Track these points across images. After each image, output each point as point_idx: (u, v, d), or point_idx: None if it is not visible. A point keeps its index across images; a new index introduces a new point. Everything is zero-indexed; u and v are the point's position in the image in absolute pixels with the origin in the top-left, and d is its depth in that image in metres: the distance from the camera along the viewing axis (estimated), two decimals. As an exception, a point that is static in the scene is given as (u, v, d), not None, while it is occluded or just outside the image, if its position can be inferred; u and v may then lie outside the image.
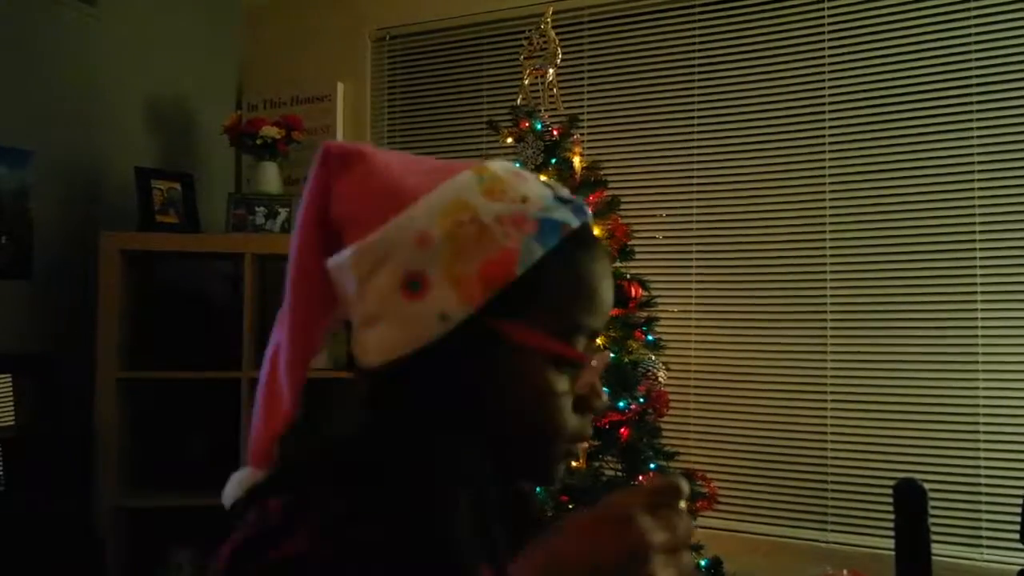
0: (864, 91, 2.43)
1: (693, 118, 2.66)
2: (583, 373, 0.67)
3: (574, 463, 1.96)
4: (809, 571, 2.35)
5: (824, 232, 2.47)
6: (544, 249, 0.64)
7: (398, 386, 0.65)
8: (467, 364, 0.64)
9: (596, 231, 0.75)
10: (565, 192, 0.69)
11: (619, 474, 2.08)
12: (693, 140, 2.66)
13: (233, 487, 0.66)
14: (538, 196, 0.67)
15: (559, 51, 2.29)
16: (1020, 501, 1.97)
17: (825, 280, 2.46)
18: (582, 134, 2.62)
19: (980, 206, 2.29)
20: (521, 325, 0.64)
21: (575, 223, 0.66)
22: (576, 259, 0.66)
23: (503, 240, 0.63)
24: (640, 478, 2.02)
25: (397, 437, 0.64)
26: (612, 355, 2.05)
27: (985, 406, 2.25)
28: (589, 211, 0.70)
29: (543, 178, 0.71)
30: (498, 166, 0.69)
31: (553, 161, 2.18)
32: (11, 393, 2.33)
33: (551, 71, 2.28)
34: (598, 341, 0.74)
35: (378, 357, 0.65)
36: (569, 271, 0.66)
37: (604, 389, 0.70)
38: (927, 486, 1.76)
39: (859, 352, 2.41)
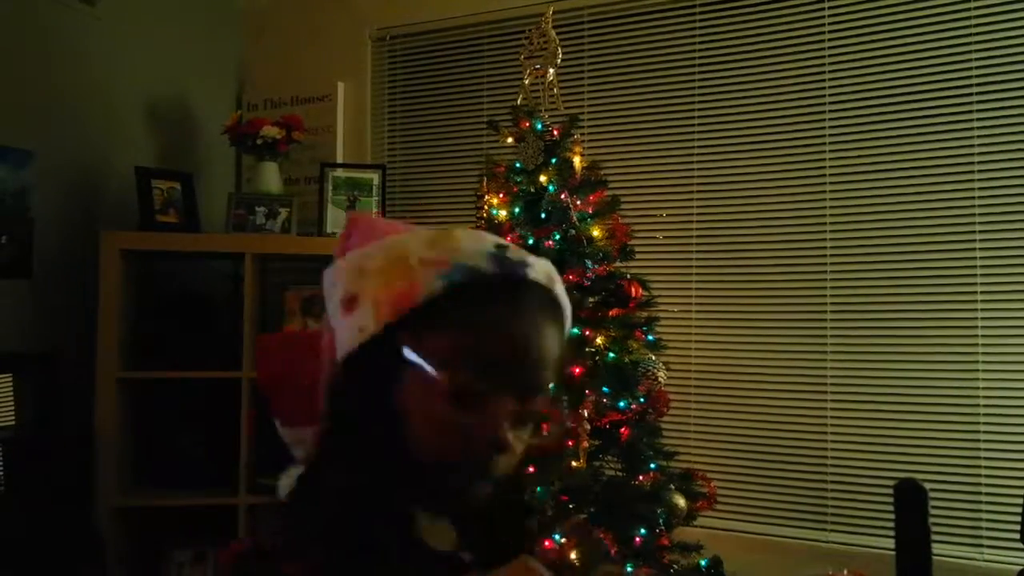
0: (864, 91, 2.43)
1: (693, 118, 2.66)
2: (488, 414, 0.71)
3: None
4: (809, 571, 2.35)
5: (824, 232, 2.47)
6: (444, 283, 0.70)
7: (336, 398, 0.76)
8: (378, 380, 0.73)
9: (545, 291, 0.76)
10: (517, 253, 0.75)
11: (619, 474, 2.07)
12: (693, 140, 2.66)
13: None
14: (472, 249, 0.73)
15: (559, 51, 2.29)
16: (1020, 501, 1.97)
17: (825, 280, 2.46)
18: (582, 134, 2.62)
19: (980, 207, 2.29)
20: (419, 346, 0.71)
21: (491, 270, 0.72)
22: (479, 302, 0.72)
23: (417, 275, 0.72)
24: (640, 478, 2.02)
25: (331, 469, 0.73)
26: (612, 355, 2.05)
27: (985, 406, 2.25)
28: (535, 272, 0.75)
29: (505, 241, 0.77)
30: (463, 232, 0.76)
31: (553, 161, 2.17)
32: (11, 393, 2.33)
33: (551, 71, 2.28)
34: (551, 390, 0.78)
35: (327, 356, 0.77)
36: (466, 311, 0.71)
37: (509, 437, 0.72)
38: (927, 486, 1.77)
39: (859, 352, 2.41)
